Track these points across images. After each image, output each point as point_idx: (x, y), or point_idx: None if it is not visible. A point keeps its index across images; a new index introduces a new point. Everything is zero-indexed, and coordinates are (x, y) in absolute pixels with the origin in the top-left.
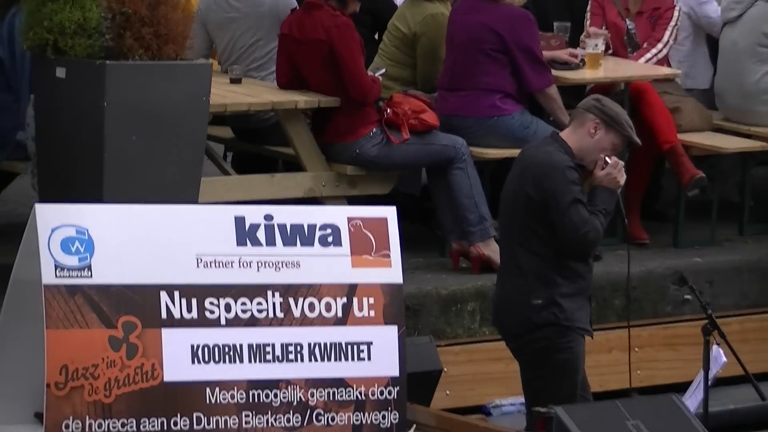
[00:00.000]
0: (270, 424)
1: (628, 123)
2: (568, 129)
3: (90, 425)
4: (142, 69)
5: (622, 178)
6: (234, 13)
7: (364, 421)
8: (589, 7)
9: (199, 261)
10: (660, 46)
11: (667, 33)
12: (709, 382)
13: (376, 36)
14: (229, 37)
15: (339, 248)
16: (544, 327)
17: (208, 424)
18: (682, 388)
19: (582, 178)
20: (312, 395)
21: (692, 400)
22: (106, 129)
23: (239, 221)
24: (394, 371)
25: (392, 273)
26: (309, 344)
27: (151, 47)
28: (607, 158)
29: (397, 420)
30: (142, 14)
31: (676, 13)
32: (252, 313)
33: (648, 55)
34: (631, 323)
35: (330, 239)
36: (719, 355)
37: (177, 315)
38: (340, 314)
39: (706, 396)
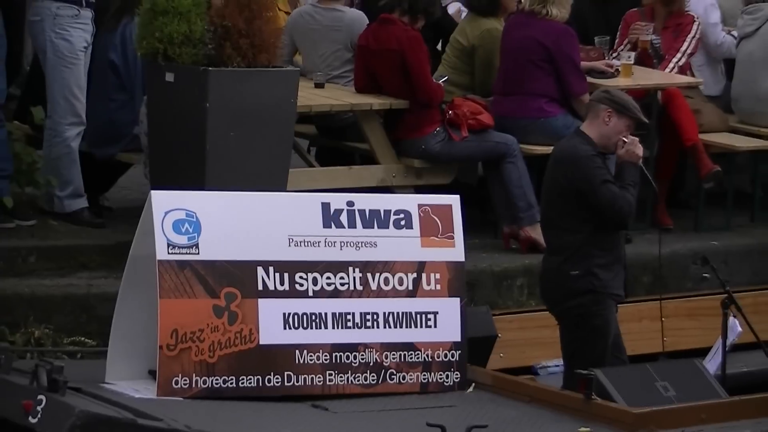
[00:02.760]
0: (350, 382)
1: (636, 107)
2: (586, 122)
3: (196, 381)
4: (239, 75)
5: (641, 151)
6: (316, 25)
7: (430, 380)
8: (619, 30)
9: (291, 241)
10: (679, 55)
11: (685, 43)
12: (727, 348)
13: (439, 47)
14: (309, 45)
15: (410, 231)
16: (581, 294)
17: (297, 381)
18: (703, 353)
19: None
20: (386, 357)
21: (712, 363)
22: (208, 126)
23: (325, 207)
24: (457, 337)
25: (456, 252)
26: (384, 313)
27: (247, 56)
28: (623, 138)
29: (458, 379)
30: (240, 27)
31: (695, 27)
32: (335, 286)
33: (671, 65)
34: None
35: (403, 223)
36: (735, 325)
37: (271, 287)
38: (410, 287)
39: (723, 360)
